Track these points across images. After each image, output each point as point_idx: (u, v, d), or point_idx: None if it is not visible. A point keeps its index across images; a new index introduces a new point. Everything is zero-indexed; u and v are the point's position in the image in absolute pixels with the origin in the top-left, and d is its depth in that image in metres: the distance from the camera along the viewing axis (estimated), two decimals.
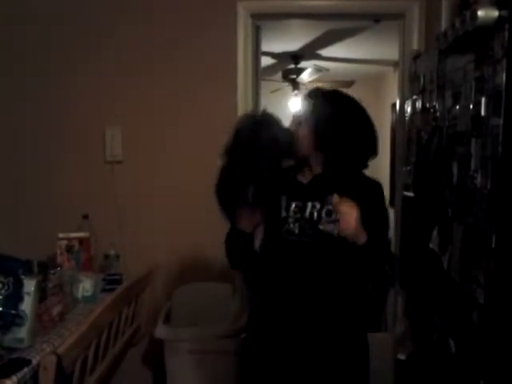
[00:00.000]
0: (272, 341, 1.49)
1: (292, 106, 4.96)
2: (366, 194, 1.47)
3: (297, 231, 1.46)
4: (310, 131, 1.46)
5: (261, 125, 1.40)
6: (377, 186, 1.53)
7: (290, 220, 1.47)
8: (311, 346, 1.45)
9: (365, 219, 1.36)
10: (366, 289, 1.50)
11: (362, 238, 1.35)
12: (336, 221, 1.36)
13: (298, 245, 1.46)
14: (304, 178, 1.52)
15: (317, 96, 1.51)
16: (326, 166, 1.49)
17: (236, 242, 1.49)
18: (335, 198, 1.35)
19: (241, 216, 1.44)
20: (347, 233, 1.33)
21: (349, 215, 1.33)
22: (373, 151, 1.51)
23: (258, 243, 1.46)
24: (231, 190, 1.41)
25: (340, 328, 1.48)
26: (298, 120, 1.49)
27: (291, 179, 1.52)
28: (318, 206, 1.45)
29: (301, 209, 1.47)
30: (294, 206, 1.47)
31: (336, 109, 1.47)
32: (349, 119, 1.47)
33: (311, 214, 1.45)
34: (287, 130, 1.45)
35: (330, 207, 1.41)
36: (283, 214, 1.48)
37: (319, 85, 4.51)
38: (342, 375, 1.48)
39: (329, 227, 1.40)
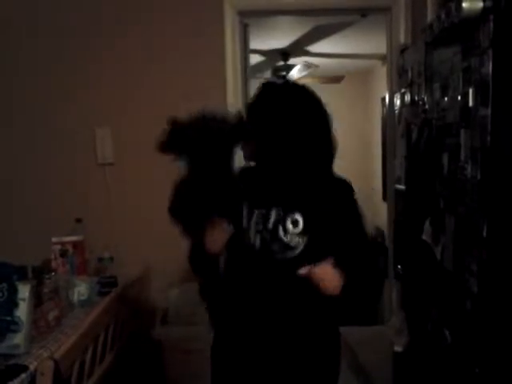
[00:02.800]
0: (239, 365, 1.38)
1: None
2: (336, 200, 1.35)
3: (258, 245, 1.31)
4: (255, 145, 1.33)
5: (205, 127, 1.26)
6: (345, 187, 1.38)
7: (251, 232, 1.32)
8: (279, 371, 1.35)
9: (339, 231, 1.30)
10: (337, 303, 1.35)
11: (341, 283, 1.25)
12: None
13: (259, 260, 1.31)
14: (268, 184, 1.38)
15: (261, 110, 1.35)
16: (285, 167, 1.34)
17: (202, 263, 1.37)
18: (302, 272, 1.24)
19: (209, 236, 1.29)
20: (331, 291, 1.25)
21: (327, 280, 1.24)
22: (331, 151, 1.37)
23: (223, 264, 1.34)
24: (193, 207, 1.26)
25: (309, 345, 1.36)
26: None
27: (253, 183, 1.38)
28: (282, 213, 1.31)
29: (264, 218, 1.32)
30: (256, 215, 1.33)
31: (304, 112, 1.33)
32: (312, 120, 1.34)
33: (275, 224, 1.30)
34: (231, 120, 1.29)
35: (296, 217, 1.30)
36: (244, 224, 1.33)
37: (306, 81, 4.52)
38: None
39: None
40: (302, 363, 1.35)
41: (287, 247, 1.29)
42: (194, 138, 1.25)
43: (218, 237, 1.29)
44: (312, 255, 1.28)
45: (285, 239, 1.29)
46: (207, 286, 1.45)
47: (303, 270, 1.23)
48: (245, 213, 1.34)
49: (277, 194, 1.35)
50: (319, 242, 1.30)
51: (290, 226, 1.29)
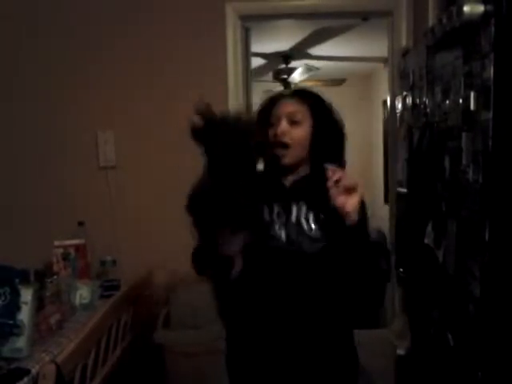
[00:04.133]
0: (256, 366, 1.37)
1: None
2: None
3: (284, 238, 1.33)
4: (308, 135, 1.37)
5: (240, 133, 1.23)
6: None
7: (276, 225, 1.34)
8: (299, 368, 1.34)
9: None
10: (356, 298, 1.37)
11: (355, 216, 1.23)
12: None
13: (286, 254, 1.33)
14: (285, 181, 1.41)
15: (311, 97, 1.42)
16: (313, 167, 1.40)
17: (211, 265, 1.32)
18: (332, 170, 1.21)
19: (224, 239, 1.25)
20: (350, 209, 1.21)
21: (353, 194, 1.21)
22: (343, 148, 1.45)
23: (237, 270, 1.29)
24: (213, 208, 1.20)
25: (330, 345, 1.36)
26: (291, 118, 1.36)
27: (272, 182, 1.41)
28: (303, 208, 1.35)
29: (285, 212, 1.35)
30: (277, 209, 1.36)
31: (331, 110, 1.42)
32: (338, 120, 1.43)
33: (298, 218, 1.33)
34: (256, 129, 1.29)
35: (317, 212, 1.33)
36: (266, 217, 1.35)
37: (308, 84, 4.53)
38: None
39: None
40: (323, 362, 1.35)
41: (312, 240, 1.32)
42: (225, 138, 1.22)
43: (233, 242, 1.27)
44: (335, 249, 1.31)
45: (309, 232, 1.33)
46: (216, 287, 1.40)
47: (332, 171, 1.23)
48: (266, 208, 1.36)
49: (296, 192, 1.38)
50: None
51: (311, 220, 1.33)
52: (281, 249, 1.33)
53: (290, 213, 1.35)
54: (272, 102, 1.42)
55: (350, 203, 1.22)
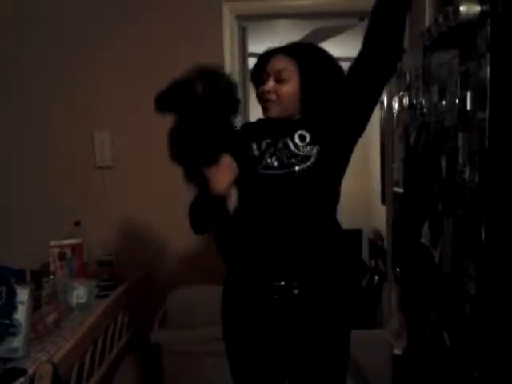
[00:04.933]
0: (251, 303, 1.44)
1: None
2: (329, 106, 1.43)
3: (276, 164, 1.38)
4: (297, 90, 1.40)
5: (210, 77, 1.32)
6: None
7: (266, 156, 1.40)
8: (297, 302, 1.39)
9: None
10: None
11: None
12: None
13: (280, 178, 1.37)
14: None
15: (300, 53, 1.44)
16: (304, 115, 1.43)
17: (207, 208, 1.38)
18: None
19: (212, 178, 1.32)
20: None
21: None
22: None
23: (232, 205, 1.36)
24: (193, 150, 1.29)
25: (327, 276, 1.42)
26: (278, 76, 1.41)
27: (257, 126, 1.49)
28: (288, 137, 1.40)
29: (273, 143, 1.41)
30: (265, 143, 1.42)
31: (322, 67, 1.43)
32: (332, 76, 1.45)
33: (285, 144, 1.39)
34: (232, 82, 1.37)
35: (302, 132, 1.39)
36: (256, 153, 1.41)
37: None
38: (324, 339, 1.42)
39: None
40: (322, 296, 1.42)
41: (302, 157, 1.37)
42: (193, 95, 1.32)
43: (224, 175, 1.33)
44: (327, 162, 1.38)
45: (297, 151, 1.38)
46: (215, 229, 1.45)
47: None
48: (254, 146, 1.42)
49: (282, 127, 1.43)
50: (331, 149, 1.39)
51: (297, 140, 1.39)
52: (276, 174, 1.38)
53: (277, 143, 1.41)
54: (265, 58, 1.48)
55: None
